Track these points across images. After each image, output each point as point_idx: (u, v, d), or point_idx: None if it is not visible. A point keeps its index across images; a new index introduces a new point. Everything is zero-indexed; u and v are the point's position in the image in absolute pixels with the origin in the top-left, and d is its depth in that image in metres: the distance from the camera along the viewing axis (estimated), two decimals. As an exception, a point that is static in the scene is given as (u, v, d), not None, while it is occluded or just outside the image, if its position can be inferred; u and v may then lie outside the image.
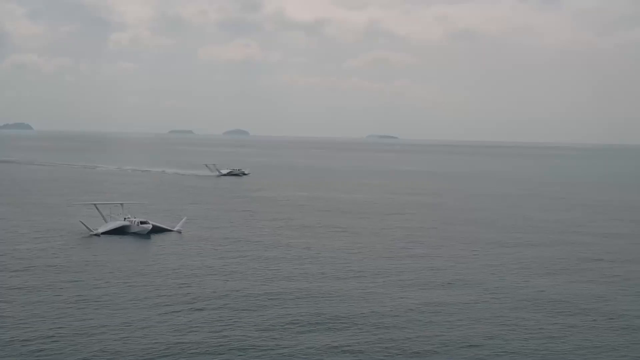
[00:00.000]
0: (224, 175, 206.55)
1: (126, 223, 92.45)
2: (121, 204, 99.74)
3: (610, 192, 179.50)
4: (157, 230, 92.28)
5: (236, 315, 53.26)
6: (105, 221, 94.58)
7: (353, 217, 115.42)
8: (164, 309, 54.67)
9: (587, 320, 54.41)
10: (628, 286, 66.44)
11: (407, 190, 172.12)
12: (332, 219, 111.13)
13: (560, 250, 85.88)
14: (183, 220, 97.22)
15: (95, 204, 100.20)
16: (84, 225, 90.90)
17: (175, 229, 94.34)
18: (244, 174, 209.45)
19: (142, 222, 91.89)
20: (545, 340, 49.18)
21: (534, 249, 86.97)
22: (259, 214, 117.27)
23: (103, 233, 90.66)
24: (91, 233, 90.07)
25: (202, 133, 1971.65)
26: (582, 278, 70.06)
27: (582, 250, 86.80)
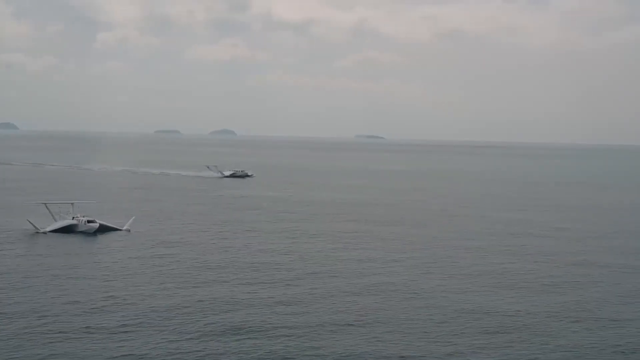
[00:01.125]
0: (227, 177, 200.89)
1: (74, 222, 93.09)
2: (72, 204, 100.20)
3: (584, 192, 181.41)
4: (104, 229, 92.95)
5: (158, 317, 53.13)
6: (55, 220, 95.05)
7: (302, 217, 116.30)
8: (80, 307, 55.15)
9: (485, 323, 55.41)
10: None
11: (362, 189, 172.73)
12: (287, 221, 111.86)
13: (479, 248, 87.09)
14: (132, 219, 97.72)
15: (45, 203, 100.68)
16: (31, 224, 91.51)
17: (123, 228, 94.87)
18: (247, 176, 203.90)
19: (89, 221, 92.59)
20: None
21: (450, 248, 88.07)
22: (216, 214, 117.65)
23: (50, 232, 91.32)
24: (38, 232, 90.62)
25: (188, 133, 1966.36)
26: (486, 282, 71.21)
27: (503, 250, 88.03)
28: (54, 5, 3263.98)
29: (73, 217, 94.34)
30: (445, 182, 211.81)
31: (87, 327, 49.53)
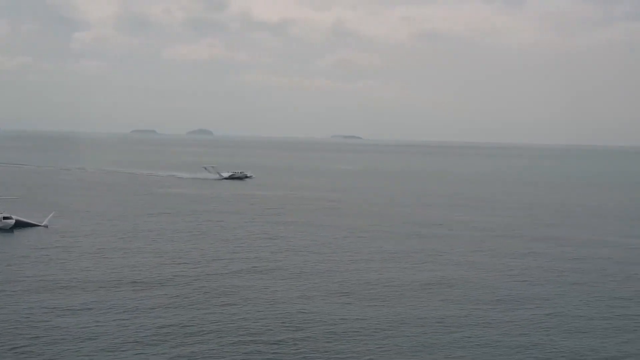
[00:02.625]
0: (226, 178, 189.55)
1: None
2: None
3: (551, 192, 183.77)
4: (22, 225, 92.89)
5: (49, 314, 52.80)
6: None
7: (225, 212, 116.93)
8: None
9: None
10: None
11: (319, 188, 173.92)
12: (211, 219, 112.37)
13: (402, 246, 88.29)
14: (51, 214, 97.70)
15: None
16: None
17: (42, 224, 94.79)
18: (247, 177, 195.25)
19: (5, 217, 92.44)
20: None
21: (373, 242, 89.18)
22: (142, 209, 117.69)
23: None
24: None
25: (165, 133, 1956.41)
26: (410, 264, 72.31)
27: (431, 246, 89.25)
28: (28, 4, 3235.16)
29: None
30: (397, 180, 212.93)
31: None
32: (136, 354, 44.10)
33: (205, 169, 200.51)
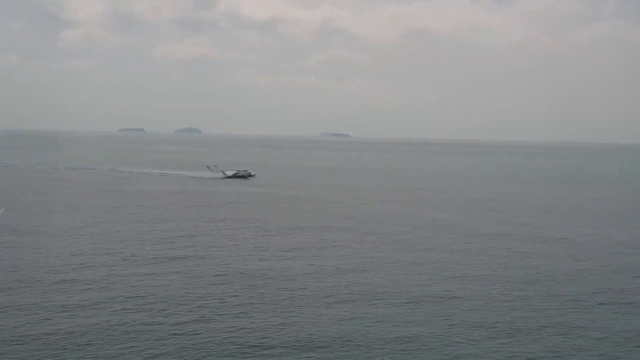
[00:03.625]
0: (229, 177, 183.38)
1: None
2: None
3: (499, 187, 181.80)
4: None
5: None
6: None
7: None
8: None
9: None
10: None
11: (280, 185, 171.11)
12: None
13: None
14: (1, 210, 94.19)
15: None
16: None
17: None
18: (251, 176, 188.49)
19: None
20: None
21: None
22: (95, 205, 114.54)
23: None
24: None
25: (153, 131, 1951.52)
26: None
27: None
28: (16, 3, 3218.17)
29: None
30: (369, 178, 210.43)
31: None
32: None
33: (208, 167, 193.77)
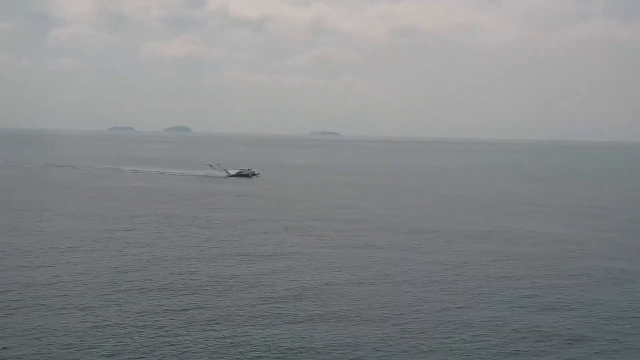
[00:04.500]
0: (233, 176, 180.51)
1: None
2: None
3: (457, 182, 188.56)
4: None
5: None
6: None
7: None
8: None
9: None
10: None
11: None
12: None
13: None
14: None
15: None
16: None
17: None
18: (254, 175, 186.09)
19: None
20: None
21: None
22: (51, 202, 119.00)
23: None
24: None
25: (142, 130, 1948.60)
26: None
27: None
28: (5, 1, 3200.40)
29: None
30: (322, 174, 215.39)
31: None
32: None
33: (210, 166, 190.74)
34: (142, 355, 41.62)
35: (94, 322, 47.47)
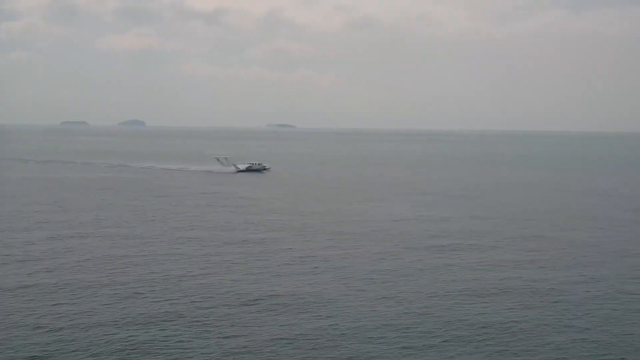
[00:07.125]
0: (242, 171, 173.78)
1: None
2: None
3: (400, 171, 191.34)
4: None
5: None
6: None
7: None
8: None
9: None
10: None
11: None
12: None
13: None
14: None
15: None
16: None
17: None
18: (265, 169, 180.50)
19: None
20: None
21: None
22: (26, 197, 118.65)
23: None
24: None
25: (96, 124, 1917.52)
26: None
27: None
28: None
29: None
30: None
31: None
32: None
33: (218, 160, 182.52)
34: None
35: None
